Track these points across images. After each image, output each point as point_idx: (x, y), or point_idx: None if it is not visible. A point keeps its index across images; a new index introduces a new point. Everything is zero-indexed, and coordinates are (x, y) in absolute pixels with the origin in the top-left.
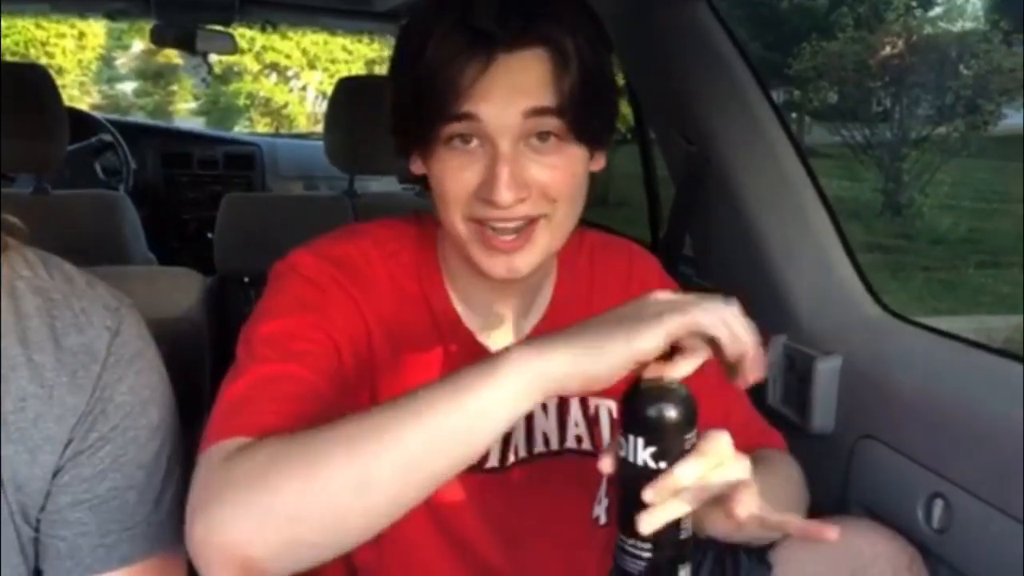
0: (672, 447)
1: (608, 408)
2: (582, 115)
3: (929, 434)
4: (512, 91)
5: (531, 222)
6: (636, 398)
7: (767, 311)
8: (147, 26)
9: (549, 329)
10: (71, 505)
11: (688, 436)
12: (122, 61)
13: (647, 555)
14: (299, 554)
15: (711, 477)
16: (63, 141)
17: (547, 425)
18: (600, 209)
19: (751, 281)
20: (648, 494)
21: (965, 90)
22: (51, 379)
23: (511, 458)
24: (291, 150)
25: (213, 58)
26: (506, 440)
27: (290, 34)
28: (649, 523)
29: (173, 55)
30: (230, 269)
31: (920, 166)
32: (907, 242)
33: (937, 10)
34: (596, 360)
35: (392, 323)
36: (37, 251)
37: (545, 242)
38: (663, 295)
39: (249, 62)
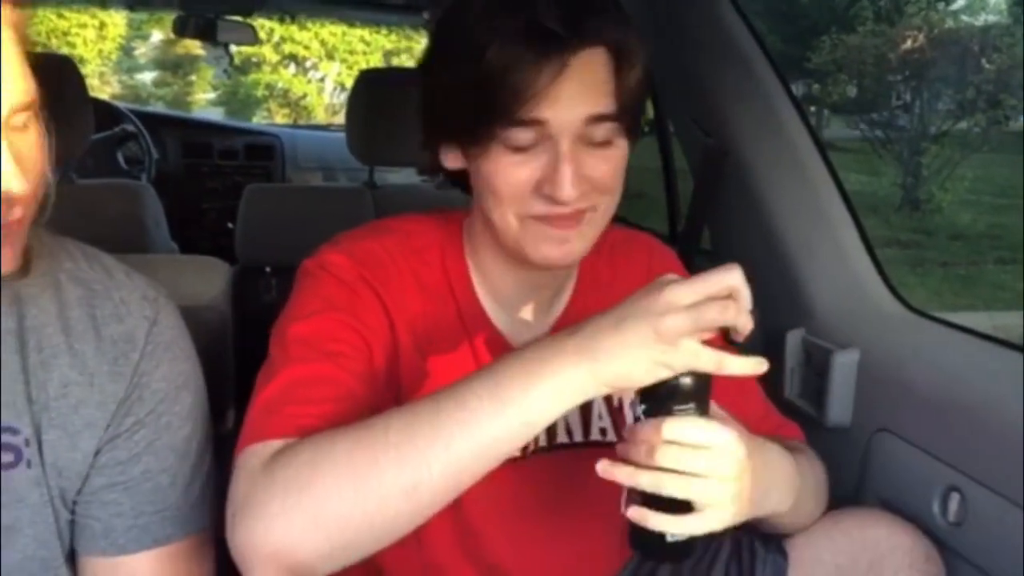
0: (658, 410)
1: (631, 398)
2: (635, 114)
3: (946, 428)
4: (578, 96)
5: (580, 212)
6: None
7: (785, 304)
8: (167, 17)
9: (571, 323)
10: (106, 487)
11: (681, 407)
12: (141, 51)
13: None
14: (347, 555)
15: (664, 449)
16: (88, 130)
17: (571, 416)
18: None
19: (769, 274)
20: (625, 431)
21: (987, 85)
22: (92, 367)
23: (531, 447)
24: (310, 141)
25: (232, 49)
26: None
27: (309, 25)
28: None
29: (192, 46)
30: (251, 259)
31: (940, 161)
32: (926, 237)
33: (959, 3)
34: (628, 369)
35: (417, 319)
36: (77, 243)
37: (592, 232)
38: (673, 288)
39: (268, 53)
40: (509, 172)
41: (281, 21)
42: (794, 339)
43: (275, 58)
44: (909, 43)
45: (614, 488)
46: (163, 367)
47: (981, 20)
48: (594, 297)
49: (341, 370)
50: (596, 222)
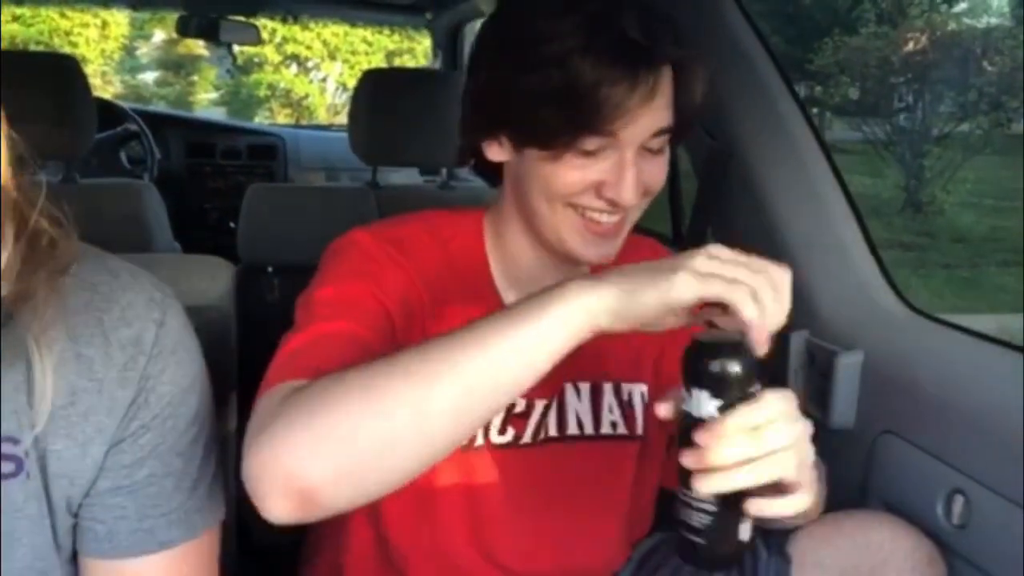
0: (737, 400)
1: (641, 392)
2: (690, 125)
3: (950, 430)
4: (651, 111)
5: (624, 216)
6: (700, 351)
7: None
8: (170, 16)
9: None
10: (111, 491)
11: (752, 388)
12: (144, 51)
13: (711, 508)
14: (354, 482)
15: (766, 430)
16: (91, 130)
17: (581, 408)
18: None
19: None
20: (699, 436)
21: (989, 87)
22: (100, 373)
23: (542, 434)
24: (313, 141)
25: (235, 49)
26: (541, 418)
27: (311, 25)
28: (689, 461)
29: (194, 45)
30: (254, 259)
31: (942, 163)
32: (928, 239)
33: (962, 5)
34: (638, 300)
35: (442, 297)
36: (81, 244)
37: (626, 231)
38: (720, 250)
39: (270, 53)
40: (573, 174)
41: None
42: (798, 341)
43: (277, 58)
44: (911, 45)
45: (623, 480)
46: (170, 370)
47: (983, 22)
48: None
49: (364, 328)
50: (632, 221)
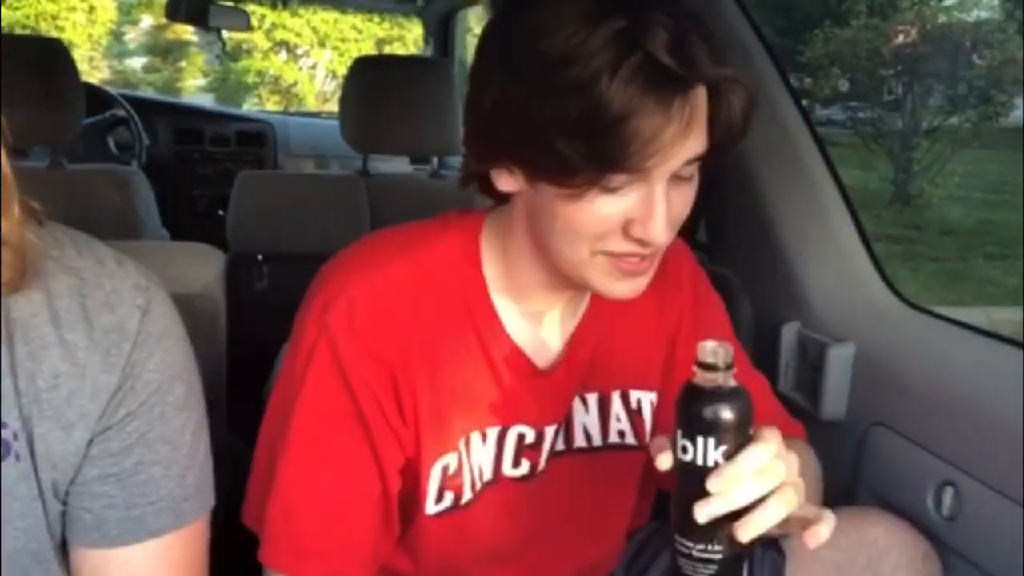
0: (741, 444)
1: (650, 400)
2: (731, 147)
3: (940, 422)
4: (683, 141)
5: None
6: (702, 400)
7: (780, 297)
8: (158, 1)
9: (588, 333)
10: (98, 478)
11: (750, 432)
12: (131, 36)
13: (717, 556)
14: None
15: (772, 468)
16: (79, 114)
17: (588, 420)
18: None
19: (764, 267)
20: (713, 484)
21: (978, 80)
22: (83, 358)
23: (545, 451)
24: (302, 128)
25: (224, 35)
26: (539, 439)
27: (300, 12)
28: (707, 512)
29: (183, 31)
30: (243, 247)
31: (931, 156)
32: (917, 232)
33: None
34: None
35: (433, 353)
36: (66, 229)
37: (658, 262)
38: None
39: (259, 40)
40: (595, 214)
41: (273, 7)
42: (789, 332)
43: (266, 45)
44: (901, 38)
45: (629, 488)
46: (156, 357)
47: (973, 16)
48: (610, 305)
49: (360, 480)
50: (663, 252)
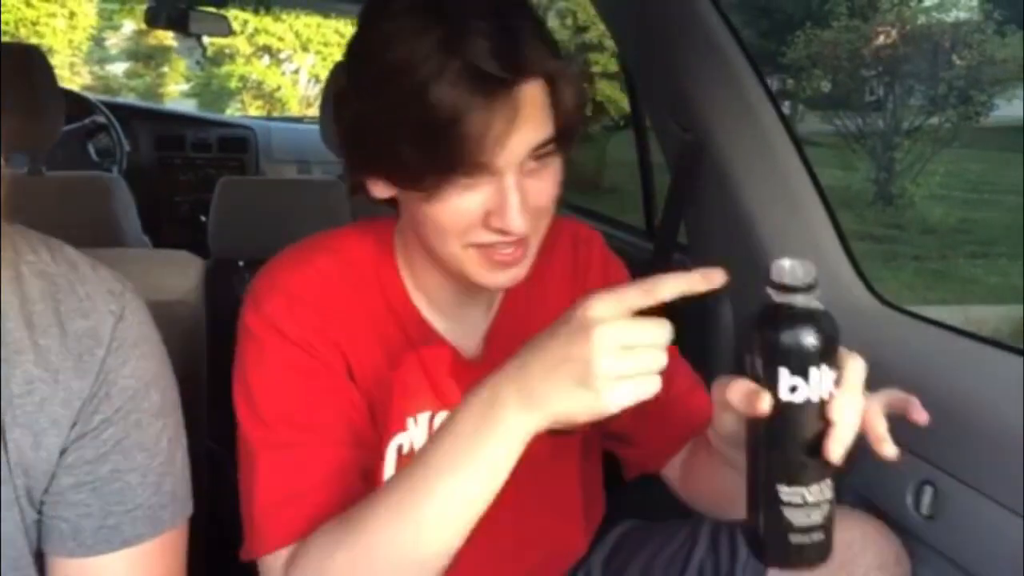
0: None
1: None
2: (574, 132)
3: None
4: (522, 131)
5: (525, 238)
6: (815, 326)
7: (760, 298)
8: (139, 6)
9: (507, 323)
10: (74, 487)
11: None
12: (113, 42)
13: (829, 493)
14: None
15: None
16: (59, 121)
17: None
18: (592, 195)
19: (744, 268)
20: (845, 414)
21: (958, 80)
22: (56, 363)
23: None
24: (284, 133)
25: (205, 40)
26: None
27: (283, 16)
28: (843, 444)
29: (165, 37)
30: (225, 253)
31: (912, 156)
32: (899, 232)
33: (931, 0)
34: (571, 419)
35: (365, 341)
36: (41, 235)
37: (535, 249)
38: (619, 331)
39: (241, 45)
40: (454, 208)
41: (255, 12)
42: None
43: (249, 50)
44: (882, 39)
45: (570, 472)
46: (130, 364)
47: (952, 16)
48: (527, 290)
49: (325, 445)
50: (538, 239)
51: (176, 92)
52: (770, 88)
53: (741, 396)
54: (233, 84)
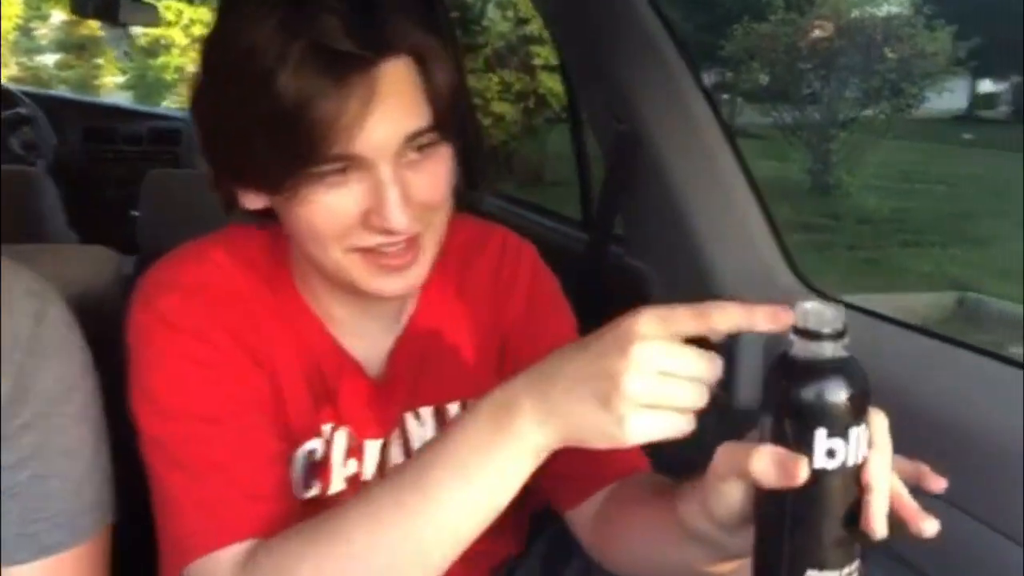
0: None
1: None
2: (453, 116)
3: None
4: (391, 118)
5: (415, 237)
6: (853, 380)
7: (694, 289)
8: None
9: (416, 337)
10: None
11: None
12: (42, 32)
13: (857, 571)
14: None
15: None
16: None
17: (427, 435)
18: (535, 188)
19: (678, 259)
20: (878, 478)
21: (891, 73)
22: None
23: (370, 464)
24: None
25: (138, 31)
26: (380, 459)
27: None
28: (883, 513)
29: (96, 27)
30: (154, 247)
31: (848, 147)
32: (834, 222)
33: None
34: (586, 443)
35: (269, 340)
36: None
37: (432, 250)
38: (657, 352)
39: (177, 36)
40: (326, 210)
41: (190, 2)
42: None
43: (184, 41)
44: (818, 32)
45: None
46: (51, 366)
47: (884, 11)
48: (441, 306)
49: (245, 434)
50: (434, 239)
51: (112, 84)
52: (703, 82)
53: (771, 465)
54: (169, 76)
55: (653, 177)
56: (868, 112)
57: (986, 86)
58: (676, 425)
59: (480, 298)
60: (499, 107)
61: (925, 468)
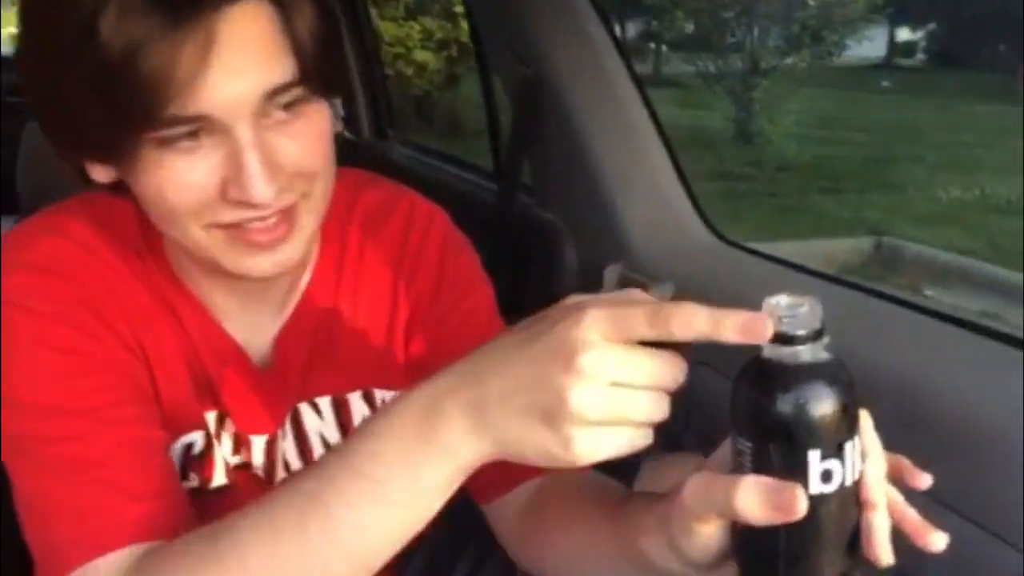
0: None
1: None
2: (323, 68)
3: None
4: (241, 69)
5: (289, 210)
6: (836, 386)
7: (602, 239)
8: None
9: (304, 323)
10: None
11: None
12: None
13: None
14: None
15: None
16: None
17: (326, 428)
18: (454, 138)
19: (587, 209)
20: (878, 494)
21: (811, 21)
22: None
23: (280, 475)
24: None
25: None
26: (267, 454)
27: None
28: (885, 534)
29: None
30: (38, 205)
31: (770, 96)
32: (756, 170)
33: None
34: (522, 457)
35: (141, 321)
36: None
37: (310, 224)
38: (594, 354)
39: None
40: (177, 181)
41: None
42: (611, 274)
43: None
44: None
45: None
46: None
47: None
48: (337, 283)
49: (118, 424)
50: (314, 210)
51: (6, 35)
52: (612, 25)
53: (761, 500)
54: None
55: (559, 123)
56: (789, 60)
57: (904, 34)
58: (631, 441)
59: (383, 273)
60: (421, 55)
61: (906, 463)
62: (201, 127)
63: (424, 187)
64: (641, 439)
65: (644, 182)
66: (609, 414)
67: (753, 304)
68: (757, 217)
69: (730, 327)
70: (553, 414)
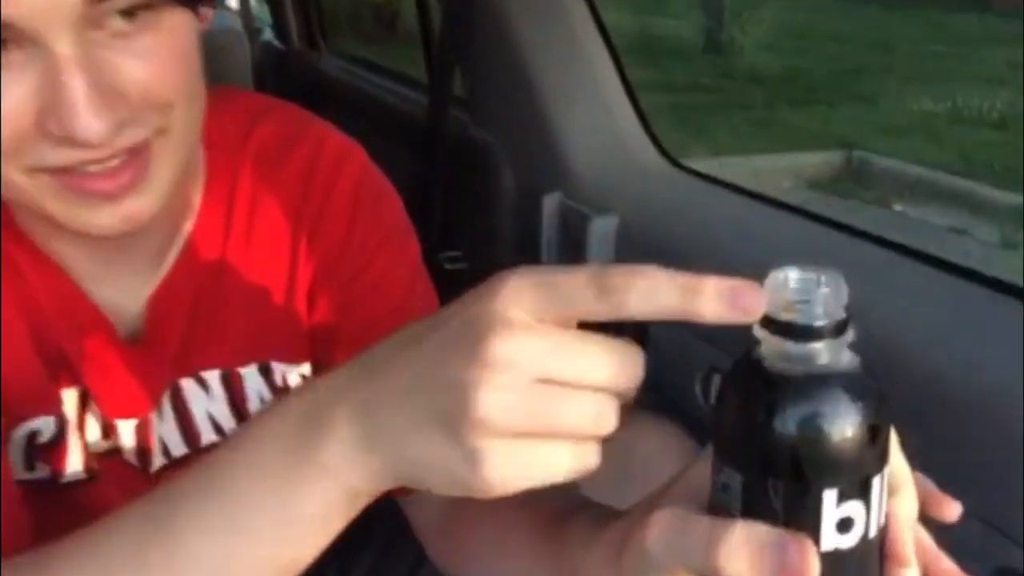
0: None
1: (302, 375)
2: None
3: None
4: None
5: (138, 149)
6: (866, 401)
7: (541, 164)
8: None
9: (183, 286)
10: None
11: None
12: None
13: None
14: None
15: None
16: None
17: (214, 407)
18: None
19: (525, 129)
20: (907, 548)
21: None
22: None
23: (158, 462)
24: None
25: None
26: (137, 440)
27: None
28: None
29: None
30: None
31: (741, 4)
32: (728, 81)
33: None
34: (420, 482)
35: None
36: None
37: (169, 169)
38: (514, 340)
39: None
40: None
41: None
42: (551, 204)
43: None
44: None
45: None
46: None
47: None
48: (224, 238)
49: None
50: (174, 150)
51: None
52: None
53: (757, 557)
54: None
55: (494, 30)
56: None
57: None
58: (566, 463)
59: (282, 222)
60: None
61: (932, 488)
62: (8, 38)
63: (356, 102)
64: (581, 460)
65: (587, 96)
66: (532, 422)
67: (700, 232)
68: (729, 130)
69: (711, 298)
70: (456, 423)
